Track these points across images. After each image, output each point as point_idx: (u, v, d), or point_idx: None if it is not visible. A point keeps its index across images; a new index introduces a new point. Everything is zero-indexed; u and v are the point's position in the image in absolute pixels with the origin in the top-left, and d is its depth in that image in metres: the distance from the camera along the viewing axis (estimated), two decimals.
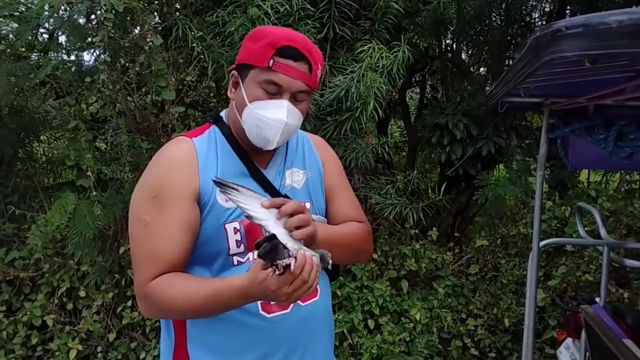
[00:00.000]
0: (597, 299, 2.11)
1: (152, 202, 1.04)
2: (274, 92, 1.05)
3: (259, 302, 1.07)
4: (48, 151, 3.89)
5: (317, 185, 1.22)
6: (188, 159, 1.07)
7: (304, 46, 1.06)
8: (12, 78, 2.62)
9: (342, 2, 2.79)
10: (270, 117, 1.05)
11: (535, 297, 1.90)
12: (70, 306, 3.08)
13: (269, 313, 1.08)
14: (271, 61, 1.03)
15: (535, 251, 1.80)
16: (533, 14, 4.06)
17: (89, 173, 2.63)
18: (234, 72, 1.12)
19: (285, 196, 1.14)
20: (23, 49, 2.89)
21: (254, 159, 1.14)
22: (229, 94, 1.13)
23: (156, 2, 2.43)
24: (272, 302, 1.06)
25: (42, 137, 3.81)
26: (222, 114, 1.18)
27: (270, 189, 1.13)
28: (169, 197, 1.04)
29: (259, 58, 1.05)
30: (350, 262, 2.30)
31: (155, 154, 1.11)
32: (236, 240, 1.07)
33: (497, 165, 3.86)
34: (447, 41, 4.23)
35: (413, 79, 4.48)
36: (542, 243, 2.19)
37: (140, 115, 2.94)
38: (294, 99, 1.07)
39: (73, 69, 2.35)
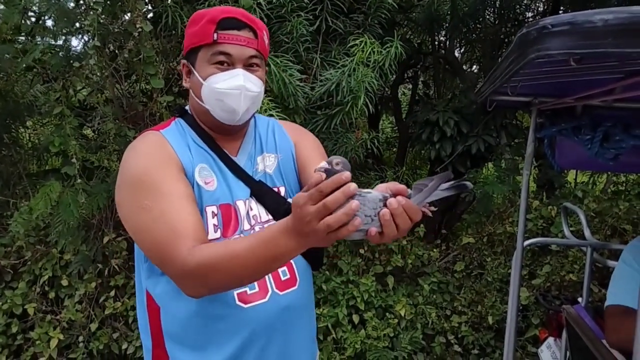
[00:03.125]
0: (580, 299, 2.13)
1: (143, 188, 0.98)
2: (226, 63, 1.06)
3: (235, 293, 1.05)
4: (34, 137, 3.84)
5: (290, 165, 1.19)
6: (162, 144, 1.06)
7: (244, 15, 1.08)
8: None
9: None
10: (229, 87, 1.05)
11: (519, 296, 1.91)
12: (52, 295, 3.04)
13: (245, 303, 1.06)
14: (215, 35, 1.04)
15: (520, 250, 1.81)
16: (527, 12, 4.07)
17: (74, 160, 2.59)
18: (183, 61, 1.12)
19: (260, 182, 1.13)
20: (10, 32, 2.83)
21: (223, 147, 1.12)
22: (184, 84, 1.14)
23: None
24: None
25: (28, 123, 3.75)
26: (187, 108, 1.17)
27: (243, 175, 1.11)
28: (160, 176, 0.99)
29: (203, 36, 1.05)
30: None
31: (125, 152, 1.07)
32: (214, 225, 1.05)
33: (486, 164, 3.88)
34: (441, 38, 4.23)
35: (405, 75, 4.48)
36: (527, 242, 2.20)
37: (128, 104, 2.91)
38: (248, 67, 1.08)
39: (61, 54, 2.30)
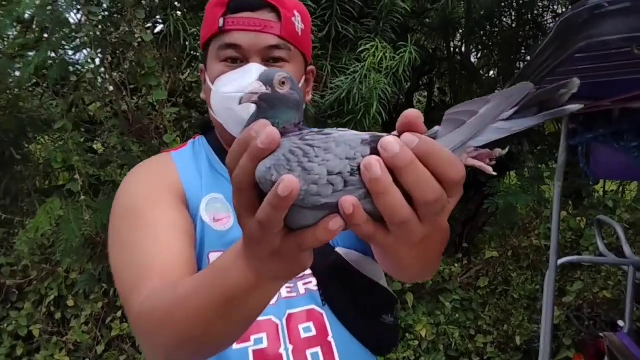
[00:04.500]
0: (620, 323, 1.93)
1: (128, 218, 0.78)
2: (237, 58, 0.81)
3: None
4: (43, 153, 3.78)
5: None
6: (165, 168, 0.86)
7: None
8: None
9: None
10: (237, 89, 0.78)
11: (552, 319, 1.73)
12: (58, 315, 2.95)
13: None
14: (221, 20, 0.80)
15: (553, 269, 1.64)
16: (545, 14, 3.90)
17: (77, 176, 2.50)
18: (201, 65, 0.91)
19: None
20: (17, 49, 2.78)
21: None
22: (202, 96, 0.93)
23: None
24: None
25: (39, 139, 3.71)
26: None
27: None
28: (149, 203, 0.78)
29: (210, 25, 0.82)
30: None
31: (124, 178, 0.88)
32: None
33: (508, 172, 3.69)
34: (456, 43, 4.08)
35: (420, 82, 4.35)
36: (561, 261, 2.01)
37: (134, 117, 2.82)
38: (270, 60, 0.81)
39: (59, 66, 2.22)
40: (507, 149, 0.47)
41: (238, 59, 0.81)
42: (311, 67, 0.92)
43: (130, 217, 0.78)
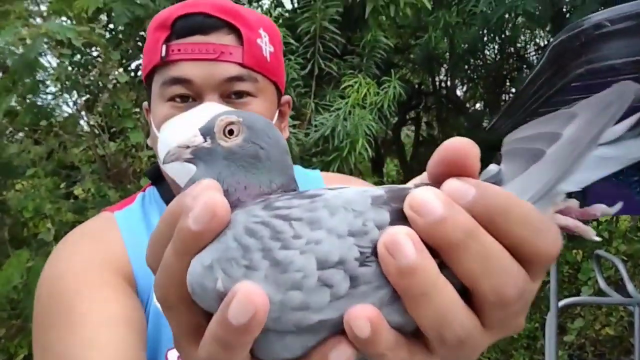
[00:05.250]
0: None
1: (52, 307, 0.58)
2: (188, 96, 0.62)
3: None
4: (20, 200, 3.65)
5: None
6: (105, 233, 0.65)
7: (216, 6, 0.62)
8: None
9: (327, 36, 2.63)
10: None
11: None
12: None
13: None
14: (164, 48, 0.62)
15: (554, 311, 1.53)
16: (528, 47, 3.95)
17: (49, 225, 2.38)
18: (144, 104, 0.71)
19: None
20: None
21: None
22: (148, 142, 0.75)
23: (121, 36, 2.25)
24: None
25: (17, 185, 3.58)
26: None
27: None
28: (80, 288, 0.58)
29: (152, 53, 0.63)
30: None
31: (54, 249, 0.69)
32: None
33: None
34: (441, 77, 4.10)
35: (407, 116, 4.33)
36: (562, 302, 1.89)
37: (111, 161, 2.73)
38: (232, 97, 0.63)
39: (27, 110, 2.14)
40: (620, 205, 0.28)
41: (189, 96, 0.62)
42: (286, 98, 0.73)
43: (55, 310, 0.57)
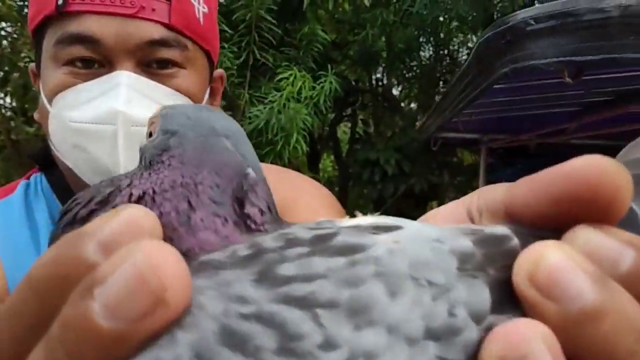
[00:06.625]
0: None
1: None
2: (92, 60, 0.47)
3: None
4: None
5: None
6: None
7: None
8: None
9: (264, 26, 2.56)
10: (93, 118, 0.45)
11: None
12: None
13: None
14: None
15: None
16: (461, 50, 4.08)
17: None
18: (31, 65, 0.55)
19: None
20: None
21: None
22: (35, 116, 0.55)
23: None
24: None
25: None
26: None
27: None
28: None
29: (43, 1, 0.47)
30: None
31: None
32: None
33: (430, 203, 3.72)
34: (378, 75, 4.15)
35: (344, 113, 4.35)
36: None
37: (28, 147, 2.51)
38: (152, 66, 0.48)
39: None
40: None
41: (95, 61, 0.47)
42: (219, 72, 0.58)
43: None
